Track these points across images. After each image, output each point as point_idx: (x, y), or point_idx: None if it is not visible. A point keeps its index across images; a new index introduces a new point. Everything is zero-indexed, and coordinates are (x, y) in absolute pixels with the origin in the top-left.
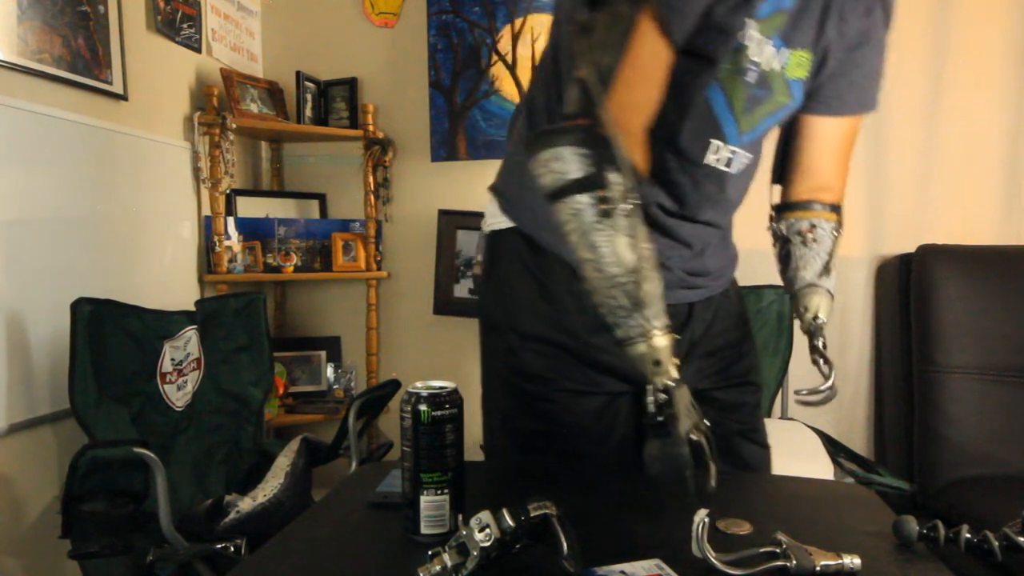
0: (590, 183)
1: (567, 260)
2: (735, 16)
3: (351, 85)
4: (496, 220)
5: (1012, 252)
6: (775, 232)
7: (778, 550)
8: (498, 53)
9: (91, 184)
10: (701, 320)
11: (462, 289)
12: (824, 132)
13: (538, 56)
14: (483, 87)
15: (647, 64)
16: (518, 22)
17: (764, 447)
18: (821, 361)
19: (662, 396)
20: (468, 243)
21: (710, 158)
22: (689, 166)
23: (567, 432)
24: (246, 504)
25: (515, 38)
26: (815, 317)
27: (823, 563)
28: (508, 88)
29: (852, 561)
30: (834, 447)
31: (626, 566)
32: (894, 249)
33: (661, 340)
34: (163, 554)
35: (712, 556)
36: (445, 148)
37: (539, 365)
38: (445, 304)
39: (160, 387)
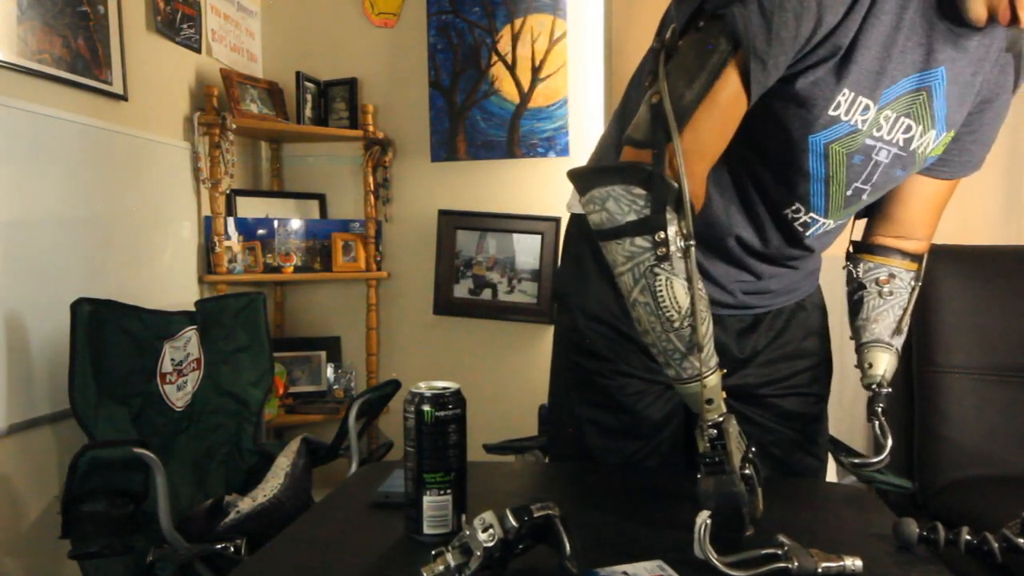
0: (647, 226)
1: None
2: (818, 91)
3: (351, 85)
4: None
5: (1012, 252)
6: (850, 274)
7: (780, 551)
8: (498, 53)
9: (91, 184)
10: (769, 330)
11: (462, 289)
12: (921, 190)
13: (538, 57)
14: (483, 87)
15: (725, 110)
16: (518, 22)
17: (820, 460)
18: (879, 430)
19: (712, 432)
20: (468, 243)
21: (788, 214)
22: (770, 204)
23: (621, 411)
24: (246, 504)
25: (515, 38)
26: (880, 384)
27: (824, 565)
28: (508, 88)
29: (853, 563)
30: (835, 446)
31: (628, 567)
32: None
33: (713, 379)
34: (163, 554)
35: (714, 558)
36: (445, 148)
37: (602, 345)
38: (445, 304)
39: (160, 387)
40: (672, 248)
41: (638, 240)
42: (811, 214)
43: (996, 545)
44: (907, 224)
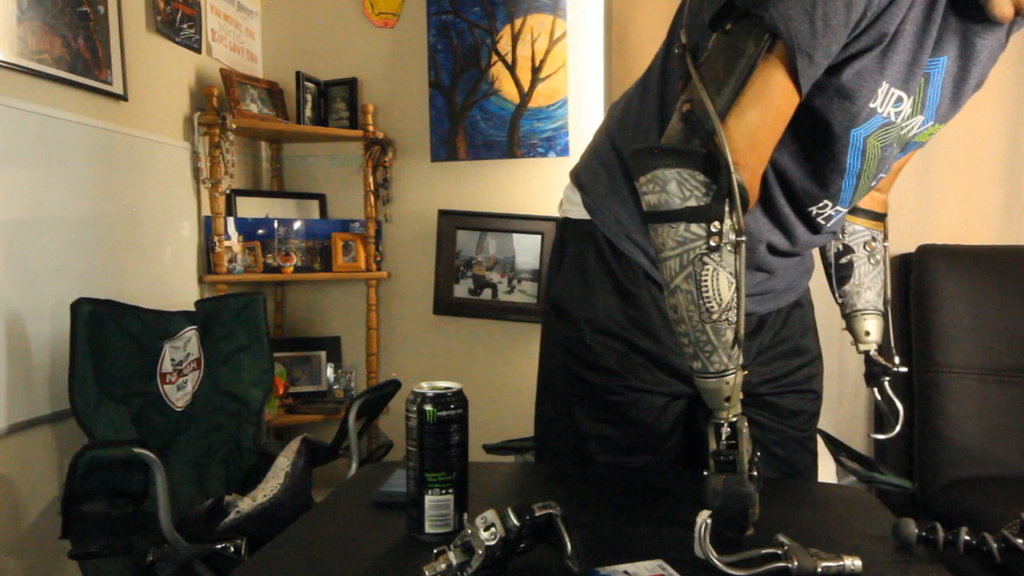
0: (706, 213)
1: (647, 270)
2: (862, 82)
3: (351, 85)
4: (575, 208)
5: (1012, 252)
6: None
7: (780, 551)
8: (498, 53)
9: (91, 184)
10: (771, 329)
11: (462, 289)
12: None
13: (538, 57)
14: (483, 87)
15: (771, 103)
16: (518, 22)
17: (815, 455)
18: (885, 402)
19: (727, 430)
20: (468, 243)
21: (814, 211)
22: (795, 204)
23: (630, 427)
24: (246, 504)
25: (515, 38)
26: (895, 363)
27: (824, 565)
28: (508, 88)
29: (853, 563)
30: (835, 446)
31: (629, 566)
32: (894, 249)
33: (737, 378)
34: (163, 554)
35: (714, 557)
36: (445, 148)
37: (611, 360)
38: (445, 304)
39: (160, 387)
40: (724, 240)
41: (693, 227)
42: (837, 207)
43: (995, 545)
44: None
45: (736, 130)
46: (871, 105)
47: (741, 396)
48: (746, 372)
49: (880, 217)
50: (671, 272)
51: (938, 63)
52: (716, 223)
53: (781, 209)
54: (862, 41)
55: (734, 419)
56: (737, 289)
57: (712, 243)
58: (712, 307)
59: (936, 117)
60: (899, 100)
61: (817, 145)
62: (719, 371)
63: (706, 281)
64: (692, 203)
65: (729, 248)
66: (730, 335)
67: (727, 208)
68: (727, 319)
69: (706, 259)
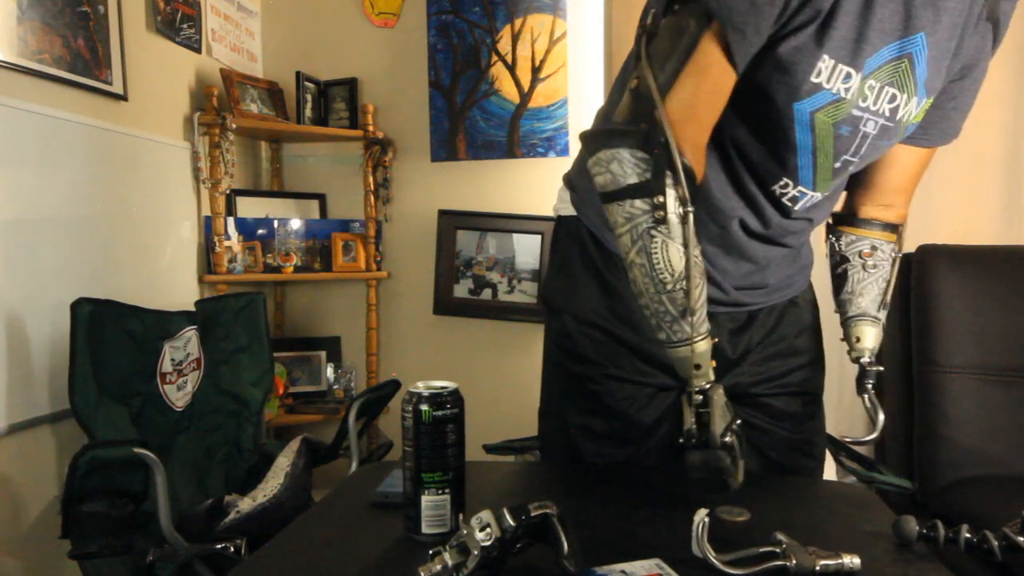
0: (646, 189)
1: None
2: (800, 56)
3: (351, 85)
4: (566, 206)
5: (1012, 252)
6: (833, 247)
7: (778, 550)
8: (498, 53)
9: (91, 184)
10: (762, 327)
11: (462, 289)
12: (901, 157)
13: (538, 57)
14: (483, 87)
15: (709, 77)
16: (518, 22)
17: (815, 459)
18: (869, 405)
19: (698, 398)
20: (468, 243)
21: (776, 190)
22: (759, 182)
23: (611, 416)
24: (246, 504)
25: (515, 38)
26: (870, 362)
27: (823, 563)
28: (508, 88)
29: (852, 561)
30: (835, 446)
31: (626, 566)
32: None
33: (703, 345)
34: (163, 554)
35: (712, 556)
36: (445, 148)
37: (591, 349)
38: (445, 304)
39: (160, 387)
40: (670, 213)
41: (637, 202)
42: (799, 187)
43: (996, 543)
44: (888, 191)
45: (674, 100)
46: (814, 80)
47: (713, 365)
48: (715, 340)
49: (892, 228)
50: (625, 248)
51: (915, 41)
52: (659, 197)
53: (747, 186)
54: (798, 19)
55: (706, 386)
56: (687, 258)
57: (657, 216)
58: (665, 278)
59: (927, 92)
60: (848, 76)
61: (766, 121)
62: (682, 339)
63: (656, 253)
64: (633, 180)
65: (677, 220)
66: (688, 305)
67: (670, 181)
68: (682, 288)
69: (653, 232)
